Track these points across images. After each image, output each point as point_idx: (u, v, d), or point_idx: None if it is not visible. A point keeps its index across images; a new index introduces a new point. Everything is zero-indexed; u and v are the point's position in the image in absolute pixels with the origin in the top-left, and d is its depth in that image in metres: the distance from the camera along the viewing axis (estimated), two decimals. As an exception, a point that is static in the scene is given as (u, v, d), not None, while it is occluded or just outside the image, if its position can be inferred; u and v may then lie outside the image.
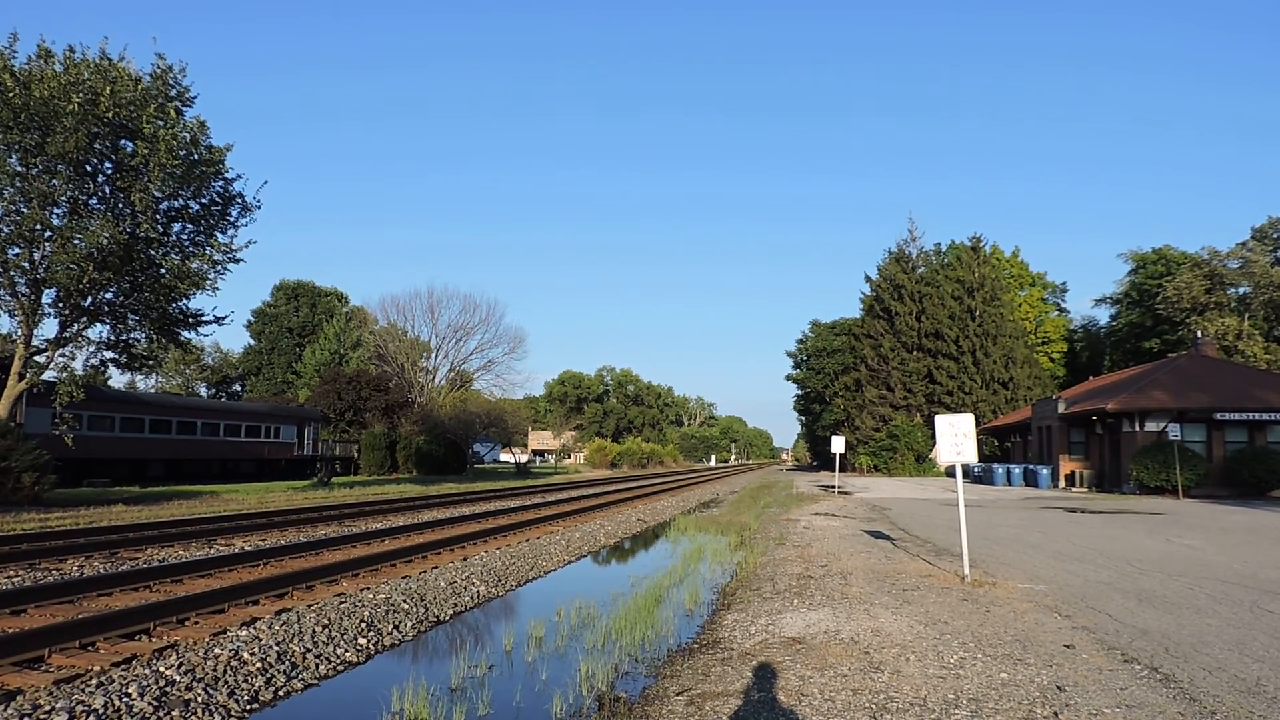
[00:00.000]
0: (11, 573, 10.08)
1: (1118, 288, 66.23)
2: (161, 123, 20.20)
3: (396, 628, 7.91)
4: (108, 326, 22.54)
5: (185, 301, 22.93)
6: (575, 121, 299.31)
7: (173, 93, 21.23)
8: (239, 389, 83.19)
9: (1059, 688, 5.18)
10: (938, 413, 21.88)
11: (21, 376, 20.68)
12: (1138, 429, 29.69)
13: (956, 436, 9.69)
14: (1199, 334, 40.31)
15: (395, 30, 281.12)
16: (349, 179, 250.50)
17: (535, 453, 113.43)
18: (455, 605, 9.17)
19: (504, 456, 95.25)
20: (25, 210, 19.29)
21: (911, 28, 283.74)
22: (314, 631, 7.18)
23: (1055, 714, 4.67)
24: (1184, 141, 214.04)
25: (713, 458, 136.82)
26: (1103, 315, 71.80)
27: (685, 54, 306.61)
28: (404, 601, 8.68)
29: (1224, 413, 28.76)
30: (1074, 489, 32.19)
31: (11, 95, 18.38)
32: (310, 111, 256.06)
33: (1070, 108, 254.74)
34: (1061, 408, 34.89)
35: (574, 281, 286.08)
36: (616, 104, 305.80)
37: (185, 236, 22.42)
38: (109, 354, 22.94)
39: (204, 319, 23.84)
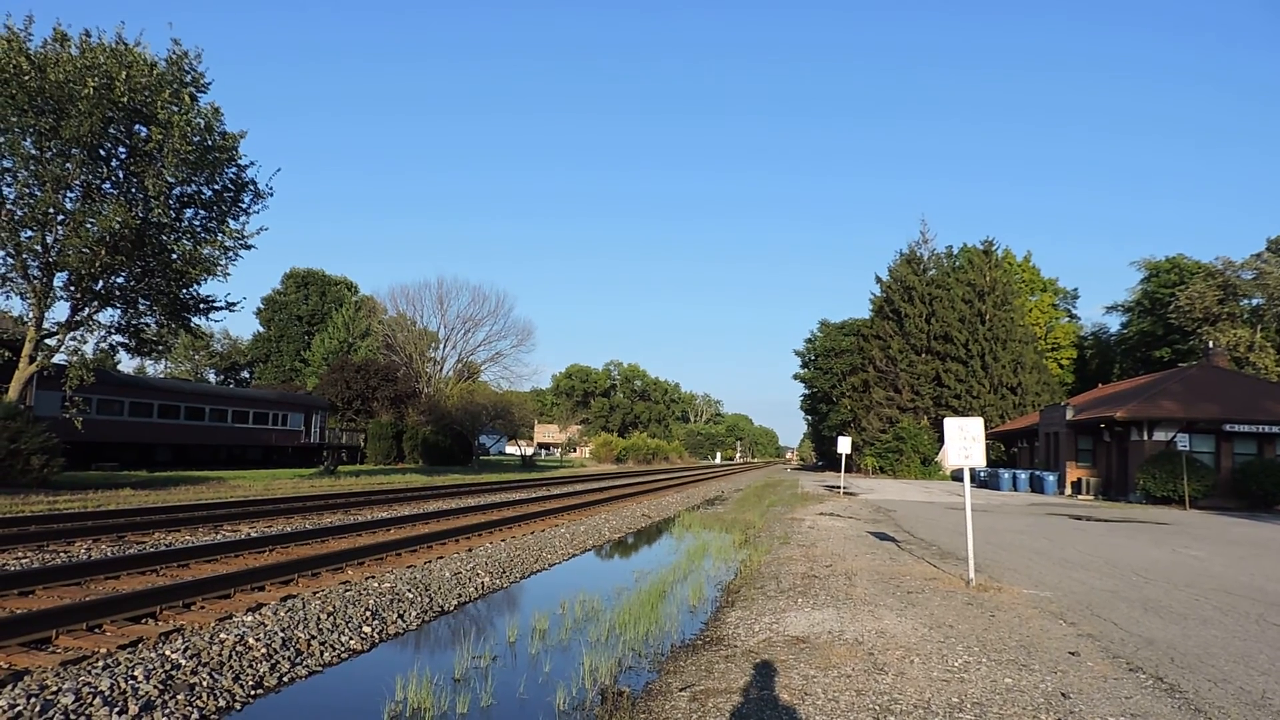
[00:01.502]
0: (20, 554, 10.16)
1: (1129, 295, 65.73)
2: (176, 108, 20.25)
3: (401, 617, 7.94)
4: (118, 311, 22.65)
5: (196, 287, 23.05)
6: (588, 118, 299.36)
7: (187, 78, 21.28)
8: (247, 376, 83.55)
9: (1063, 694, 5.16)
10: (945, 416, 21.78)
11: (32, 359, 20.82)
12: (1146, 438, 29.52)
13: (965, 440, 9.63)
14: (1210, 344, 40.06)
15: (409, 23, 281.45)
16: (361, 170, 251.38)
17: (541, 446, 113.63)
18: (460, 596, 9.19)
19: (509, 449, 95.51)
20: (39, 193, 19.38)
21: (926, 30, 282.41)
22: (319, 619, 7.21)
23: (1060, 721, 4.65)
24: (1201, 151, 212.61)
25: (718, 455, 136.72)
26: (1114, 323, 71.48)
27: (701, 53, 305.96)
28: (409, 591, 8.71)
29: (1233, 424, 28.56)
30: (1080, 496, 32.05)
31: (27, 79, 18.46)
32: (324, 103, 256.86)
33: (1087, 114, 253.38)
34: (1070, 414, 34.73)
35: (583, 276, 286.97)
36: (630, 102, 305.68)
37: (197, 222, 22.50)
38: (119, 338, 23.06)
39: (214, 305, 23.96)
